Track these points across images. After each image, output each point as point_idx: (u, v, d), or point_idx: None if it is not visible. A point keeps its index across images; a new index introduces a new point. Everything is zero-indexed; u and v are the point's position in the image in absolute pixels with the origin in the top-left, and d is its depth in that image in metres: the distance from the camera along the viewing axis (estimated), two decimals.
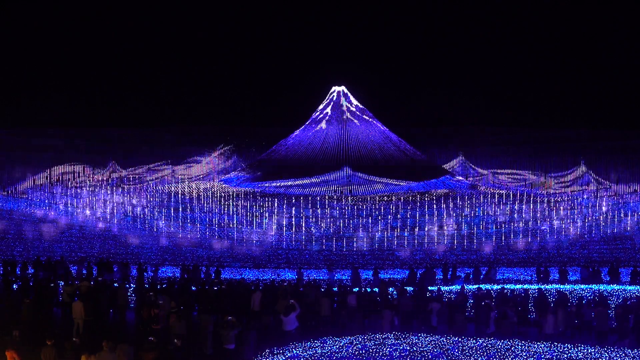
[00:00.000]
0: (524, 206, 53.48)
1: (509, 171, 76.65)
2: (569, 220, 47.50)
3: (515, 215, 49.74)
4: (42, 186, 64.79)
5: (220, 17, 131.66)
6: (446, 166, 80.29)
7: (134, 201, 56.06)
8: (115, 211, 51.45)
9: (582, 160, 70.45)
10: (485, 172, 78.71)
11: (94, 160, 77.46)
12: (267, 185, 68.37)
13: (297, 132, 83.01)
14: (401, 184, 68.96)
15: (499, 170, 77.00)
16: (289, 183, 67.58)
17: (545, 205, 54.87)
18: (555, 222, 47.00)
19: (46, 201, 55.37)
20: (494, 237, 42.78)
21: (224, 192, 63.24)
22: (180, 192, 63.45)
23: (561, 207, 53.70)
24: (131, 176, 76.57)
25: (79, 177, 73.77)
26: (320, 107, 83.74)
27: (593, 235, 43.31)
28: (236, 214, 49.28)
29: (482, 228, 45.26)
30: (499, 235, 43.03)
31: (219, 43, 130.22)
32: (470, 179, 76.17)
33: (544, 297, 22.61)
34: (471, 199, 57.07)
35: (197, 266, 30.11)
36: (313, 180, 68.22)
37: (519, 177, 74.54)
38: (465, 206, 53.27)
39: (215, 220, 47.38)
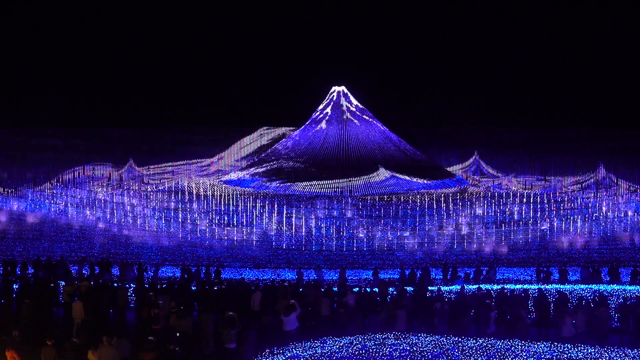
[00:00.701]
0: (546, 206, 53.14)
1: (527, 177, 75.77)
2: (569, 220, 47.44)
3: (539, 215, 49.39)
4: (61, 186, 64.53)
5: (220, 17, 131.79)
6: (462, 166, 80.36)
7: (151, 202, 55.59)
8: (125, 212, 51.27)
9: (601, 163, 69.66)
10: (494, 171, 78.52)
11: (115, 160, 77.64)
12: (302, 186, 67.52)
13: (297, 132, 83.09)
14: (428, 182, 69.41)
15: (518, 176, 76.01)
16: (326, 184, 67.08)
17: (547, 205, 54.75)
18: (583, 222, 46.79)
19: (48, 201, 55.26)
20: (509, 236, 42.73)
21: (231, 193, 63.01)
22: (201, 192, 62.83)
23: (561, 207, 53.64)
24: (150, 175, 76.54)
25: (101, 177, 73.78)
26: (320, 107, 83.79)
27: (611, 234, 43.04)
28: (237, 214, 49.29)
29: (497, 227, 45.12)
30: (516, 235, 42.95)
31: (219, 43, 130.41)
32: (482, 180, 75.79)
33: (546, 297, 22.57)
34: (490, 198, 56.52)
35: (209, 267, 30.15)
36: (354, 181, 68.13)
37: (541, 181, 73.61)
38: (487, 204, 52.85)
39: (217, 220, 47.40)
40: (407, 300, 21.99)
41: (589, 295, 23.90)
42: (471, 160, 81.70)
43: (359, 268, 34.31)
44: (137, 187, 66.38)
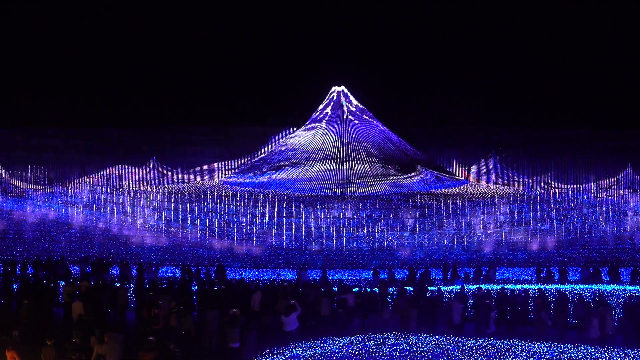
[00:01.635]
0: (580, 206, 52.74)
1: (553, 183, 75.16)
2: (570, 221, 47.36)
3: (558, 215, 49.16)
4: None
5: (220, 17, 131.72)
6: (477, 166, 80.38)
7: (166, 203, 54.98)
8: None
9: (629, 164, 69.07)
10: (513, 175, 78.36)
11: (137, 160, 77.61)
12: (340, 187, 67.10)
13: (297, 131, 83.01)
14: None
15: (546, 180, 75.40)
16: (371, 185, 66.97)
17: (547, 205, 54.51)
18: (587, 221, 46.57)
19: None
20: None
21: (232, 193, 62.63)
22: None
23: (561, 207, 53.50)
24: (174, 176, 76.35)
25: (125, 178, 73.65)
26: (320, 107, 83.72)
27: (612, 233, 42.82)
28: (237, 214, 49.22)
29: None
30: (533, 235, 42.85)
31: (219, 43, 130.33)
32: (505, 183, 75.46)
33: (546, 297, 22.53)
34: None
35: (221, 266, 30.17)
36: (399, 180, 68.14)
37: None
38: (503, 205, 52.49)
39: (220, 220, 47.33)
40: (403, 300, 21.99)
41: (590, 295, 23.90)
42: (490, 162, 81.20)
43: (359, 268, 34.32)
44: (164, 188, 65.96)
